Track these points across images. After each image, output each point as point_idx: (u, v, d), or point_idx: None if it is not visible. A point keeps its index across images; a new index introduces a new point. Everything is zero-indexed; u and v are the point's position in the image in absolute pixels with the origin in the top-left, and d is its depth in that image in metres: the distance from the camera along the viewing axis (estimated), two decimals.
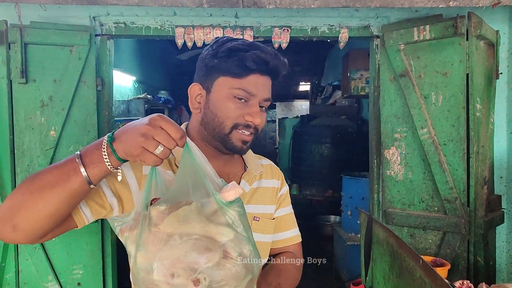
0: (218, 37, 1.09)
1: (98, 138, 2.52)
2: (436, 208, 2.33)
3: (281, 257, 1.22)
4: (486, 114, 2.38)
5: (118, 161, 0.82)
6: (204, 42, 2.59)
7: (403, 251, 1.14)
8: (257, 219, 1.15)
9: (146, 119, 0.80)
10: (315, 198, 5.73)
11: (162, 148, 0.78)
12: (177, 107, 5.79)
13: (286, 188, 1.29)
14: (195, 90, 1.08)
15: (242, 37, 2.59)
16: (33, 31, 2.33)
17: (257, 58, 0.99)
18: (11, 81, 2.33)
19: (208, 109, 1.05)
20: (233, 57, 1.00)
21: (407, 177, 2.41)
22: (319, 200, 5.67)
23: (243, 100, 1.02)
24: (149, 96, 4.76)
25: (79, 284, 2.45)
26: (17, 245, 2.36)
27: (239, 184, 1.14)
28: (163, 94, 5.49)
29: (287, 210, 1.28)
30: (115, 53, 2.68)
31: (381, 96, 2.50)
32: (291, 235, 1.28)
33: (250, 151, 1.21)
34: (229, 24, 2.59)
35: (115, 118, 4.28)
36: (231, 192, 0.84)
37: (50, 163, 2.36)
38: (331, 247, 4.41)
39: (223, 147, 1.06)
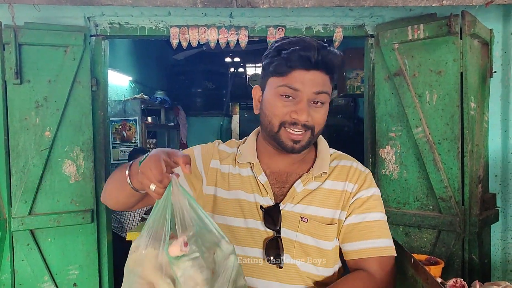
0: (276, 40, 1.13)
1: (93, 138, 2.50)
2: (431, 207, 2.33)
3: (350, 275, 1.08)
4: (481, 113, 2.39)
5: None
6: (199, 42, 2.59)
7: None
8: (305, 220, 1.07)
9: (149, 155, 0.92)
10: None
11: (154, 187, 0.86)
12: (173, 107, 5.78)
13: (367, 192, 1.12)
14: (256, 92, 1.14)
15: (236, 37, 2.59)
16: (27, 31, 2.32)
17: (298, 55, 1.00)
18: (5, 82, 2.32)
19: (261, 109, 1.11)
20: (277, 57, 1.04)
21: (402, 176, 2.42)
22: None
23: (290, 98, 1.03)
24: (145, 96, 4.76)
25: (75, 284, 2.45)
26: (13, 246, 2.36)
27: (293, 184, 1.11)
28: (159, 94, 5.49)
29: (367, 217, 1.10)
30: (111, 53, 2.69)
31: (375, 95, 2.51)
32: (371, 246, 1.07)
33: (326, 149, 1.18)
34: (223, 24, 2.60)
35: (112, 119, 4.29)
36: (174, 248, 0.82)
37: (45, 164, 2.36)
38: None
39: (277, 145, 1.09)
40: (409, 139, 2.38)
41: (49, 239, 2.42)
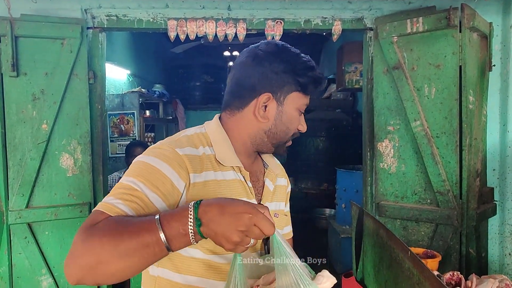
0: (280, 44, 1.11)
1: (91, 132, 2.47)
2: (428, 201, 2.33)
3: None
4: (479, 107, 2.39)
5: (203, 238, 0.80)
6: (197, 34, 2.58)
7: (392, 243, 1.14)
8: (277, 215, 1.19)
9: (241, 210, 0.77)
10: (311, 191, 5.74)
11: (253, 241, 0.79)
12: (172, 101, 5.77)
13: (289, 186, 1.34)
14: (263, 99, 1.07)
15: (235, 29, 2.58)
16: (23, 23, 2.30)
17: (321, 76, 1.10)
18: (2, 74, 2.31)
19: (281, 122, 1.09)
20: (309, 76, 1.07)
21: (400, 170, 2.41)
22: (315, 193, 5.68)
23: (302, 112, 1.13)
24: (143, 89, 4.74)
25: None
26: (10, 239, 2.36)
27: (264, 183, 1.17)
28: (158, 88, 5.46)
29: (288, 207, 1.33)
30: (109, 46, 2.67)
31: (374, 89, 2.50)
32: (289, 230, 1.29)
33: None
34: (222, 17, 2.58)
35: (109, 112, 4.27)
36: (328, 283, 0.86)
37: (43, 157, 2.35)
38: (326, 240, 4.43)
39: (274, 150, 1.14)
40: (408, 132, 2.38)
41: (47, 232, 2.41)
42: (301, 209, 5.55)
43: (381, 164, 2.48)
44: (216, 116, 1.16)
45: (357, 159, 5.11)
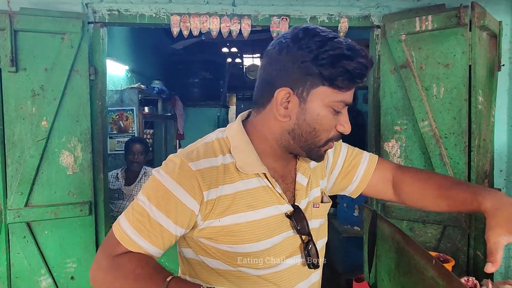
0: (307, 28, 0.92)
1: (91, 129, 2.41)
2: None
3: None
4: (488, 107, 2.35)
5: None
6: (200, 31, 2.52)
7: (411, 249, 1.10)
8: (317, 205, 1.07)
9: None
10: None
11: None
12: (171, 97, 5.70)
13: (337, 148, 1.19)
14: (283, 95, 0.92)
15: (239, 26, 2.52)
16: (23, 17, 2.24)
17: (363, 67, 0.88)
18: (0, 69, 2.25)
19: (305, 121, 0.93)
20: (338, 67, 0.87)
21: None
22: None
23: (337, 111, 0.93)
24: (142, 86, 4.67)
25: (72, 278, 2.40)
26: (8, 238, 2.30)
27: (295, 179, 1.05)
28: (156, 84, 5.39)
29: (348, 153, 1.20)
30: (107, 41, 2.60)
31: (381, 88, 2.46)
32: (367, 159, 1.20)
33: None
34: (226, 12, 2.52)
35: (108, 108, 4.20)
36: None
37: (42, 155, 2.30)
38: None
39: (306, 155, 0.99)
40: (415, 132, 2.34)
41: (46, 232, 2.36)
42: None
43: None
44: (240, 116, 1.05)
45: None
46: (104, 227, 2.49)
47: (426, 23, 2.27)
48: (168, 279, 0.81)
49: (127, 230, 0.89)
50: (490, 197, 0.91)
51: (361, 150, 1.22)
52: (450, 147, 2.23)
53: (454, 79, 2.22)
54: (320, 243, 1.08)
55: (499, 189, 2.48)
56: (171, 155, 0.96)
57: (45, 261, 2.35)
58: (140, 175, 3.55)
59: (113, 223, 0.95)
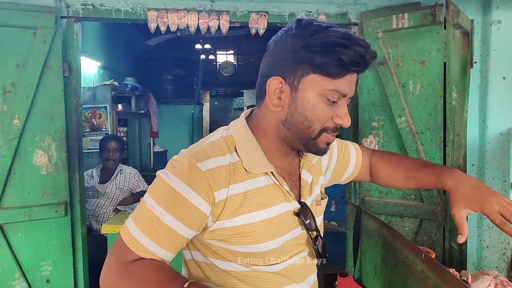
0: (301, 19, 0.92)
1: (66, 127, 2.34)
2: (413, 196, 2.35)
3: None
4: (461, 103, 2.42)
5: None
6: (178, 26, 2.48)
7: (399, 244, 1.12)
8: (319, 203, 1.08)
9: None
10: None
11: None
12: (144, 95, 5.60)
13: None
14: (274, 84, 0.91)
15: (218, 22, 2.50)
16: None
17: (359, 56, 0.85)
18: None
19: (296, 110, 0.91)
20: (330, 54, 0.85)
21: None
22: None
23: (334, 102, 0.90)
24: (115, 82, 4.57)
25: (48, 281, 2.33)
26: None
27: (300, 176, 1.04)
28: (129, 81, 5.29)
29: (345, 151, 1.25)
30: None
31: (359, 84, 2.49)
32: (354, 150, 1.27)
33: None
34: (204, 8, 2.49)
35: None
36: None
37: (14, 154, 2.21)
38: None
39: (305, 149, 0.96)
40: (392, 128, 2.39)
41: (20, 234, 2.27)
42: None
43: None
44: (243, 113, 1.03)
45: None
46: (80, 228, 2.43)
47: (403, 21, 2.31)
48: (185, 285, 0.81)
49: (138, 236, 0.87)
50: (451, 178, 1.06)
51: (344, 140, 1.27)
52: (426, 142, 2.29)
53: (429, 76, 2.28)
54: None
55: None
56: (175, 156, 0.93)
57: (19, 265, 2.27)
58: (116, 173, 3.49)
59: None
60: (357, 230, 1.45)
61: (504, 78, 2.52)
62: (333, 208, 3.69)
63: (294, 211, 0.98)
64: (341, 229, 3.54)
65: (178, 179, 0.87)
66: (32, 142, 2.26)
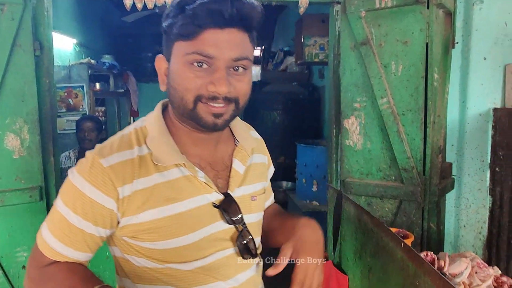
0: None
1: (39, 109, 2.25)
2: (393, 177, 2.36)
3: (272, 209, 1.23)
4: (443, 84, 2.41)
5: None
6: (155, 3, 2.38)
7: (380, 231, 1.11)
8: (254, 198, 1.03)
9: None
10: None
11: None
12: (123, 73, 5.46)
13: (272, 169, 1.21)
14: (161, 64, 0.92)
15: None
16: None
17: (207, 9, 0.80)
18: None
19: (169, 84, 0.89)
20: (182, 14, 0.82)
21: (365, 147, 2.41)
22: None
23: (204, 66, 0.84)
24: (92, 60, 4.42)
25: (24, 267, 2.27)
26: None
27: (231, 165, 0.99)
28: (107, 59, 5.13)
29: (268, 181, 1.22)
30: (53, 12, 2.40)
31: (341, 65, 2.46)
32: (270, 201, 1.25)
33: (238, 119, 1.05)
34: None
35: (56, 85, 3.95)
36: None
37: None
38: None
39: (196, 124, 0.90)
40: (374, 110, 2.37)
41: None
42: None
43: (346, 141, 2.46)
44: (161, 102, 0.99)
45: (314, 133, 5.14)
46: None
47: (386, 0, 2.26)
48: None
49: (50, 241, 0.86)
50: (304, 222, 1.02)
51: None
52: (407, 123, 2.28)
53: (412, 56, 2.25)
54: (257, 240, 1.04)
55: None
56: (87, 151, 0.91)
57: None
58: None
59: None
60: (338, 215, 1.44)
61: (484, 58, 2.51)
62: (314, 188, 3.71)
63: (213, 203, 0.92)
64: (322, 208, 3.56)
65: (81, 177, 0.85)
66: (3, 125, 2.16)
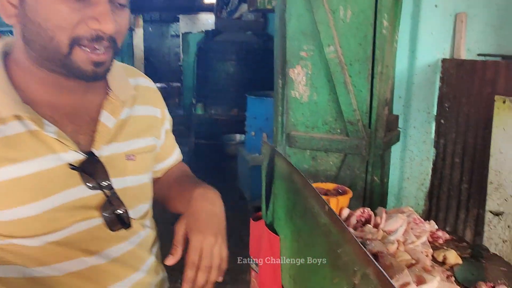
0: None
1: None
2: (339, 131, 2.29)
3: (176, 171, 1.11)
4: (392, 32, 2.30)
5: None
6: None
7: (307, 192, 1.02)
8: (132, 157, 0.87)
9: None
10: (221, 117, 5.62)
11: None
12: None
13: (169, 122, 1.07)
14: None
15: None
16: None
17: None
18: None
19: (26, 16, 0.70)
20: None
21: (312, 99, 2.31)
22: (224, 119, 5.57)
23: None
24: None
25: None
26: None
27: (98, 118, 0.83)
28: None
29: (164, 139, 1.06)
30: None
31: (287, 10, 2.28)
32: (173, 159, 1.12)
33: (116, 62, 0.87)
34: None
35: None
36: None
37: None
38: (235, 166, 4.39)
39: (69, 74, 0.74)
40: (321, 59, 2.24)
41: None
42: (210, 135, 5.43)
43: (292, 92, 2.35)
44: (5, 40, 0.81)
45: (268, 85, 5.01)
46: None
47: None
48: None
49: None
50: (199, 192, 0.92)
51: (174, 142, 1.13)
52: (354, 74, 2.18)
53: (361, 2, 2.11)
54: (141, 208, 0.91)
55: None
56: None
57: None
58: None
59: None
60: (270, 172, 1.34)
61: (436, 6, 2.42)
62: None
63: (70, 165, 0.76)
64: None
65: None
66: None
